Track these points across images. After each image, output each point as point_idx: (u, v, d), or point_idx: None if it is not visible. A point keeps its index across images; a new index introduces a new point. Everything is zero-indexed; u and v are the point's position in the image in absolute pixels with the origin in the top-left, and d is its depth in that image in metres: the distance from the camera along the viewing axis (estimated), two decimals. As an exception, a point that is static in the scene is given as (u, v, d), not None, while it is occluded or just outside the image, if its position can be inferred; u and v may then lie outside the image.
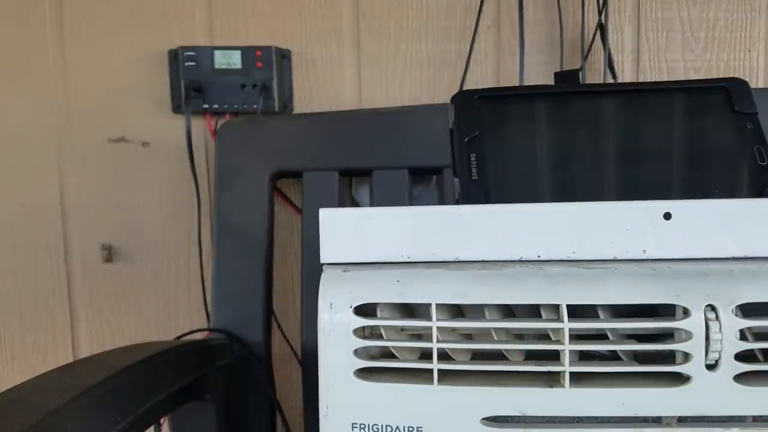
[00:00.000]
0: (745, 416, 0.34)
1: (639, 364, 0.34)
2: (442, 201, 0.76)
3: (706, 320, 0.33)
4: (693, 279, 0.34)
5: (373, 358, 0.36)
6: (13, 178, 0.89)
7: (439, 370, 0.35)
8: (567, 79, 0.51)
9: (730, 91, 0.45)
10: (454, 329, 0.36)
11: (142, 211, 0.88)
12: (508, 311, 0.36)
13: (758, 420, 0.34)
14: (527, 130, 0.46)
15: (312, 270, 0.76)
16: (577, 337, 0.35)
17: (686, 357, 0.33)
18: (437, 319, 0.34)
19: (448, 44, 0.85)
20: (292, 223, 0.87)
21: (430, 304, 0.35)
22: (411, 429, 0.35)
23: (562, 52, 0.83)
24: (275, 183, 0.79)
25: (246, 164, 0.78)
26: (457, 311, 0.36)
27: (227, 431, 0.70)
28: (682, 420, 0.34)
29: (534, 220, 0.36)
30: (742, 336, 0.33)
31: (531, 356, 0.35)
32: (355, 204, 0.83)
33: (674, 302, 0.33)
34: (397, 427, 0.35)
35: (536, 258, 0.36)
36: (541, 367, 0.34)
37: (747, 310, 0.33)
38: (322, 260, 0.37)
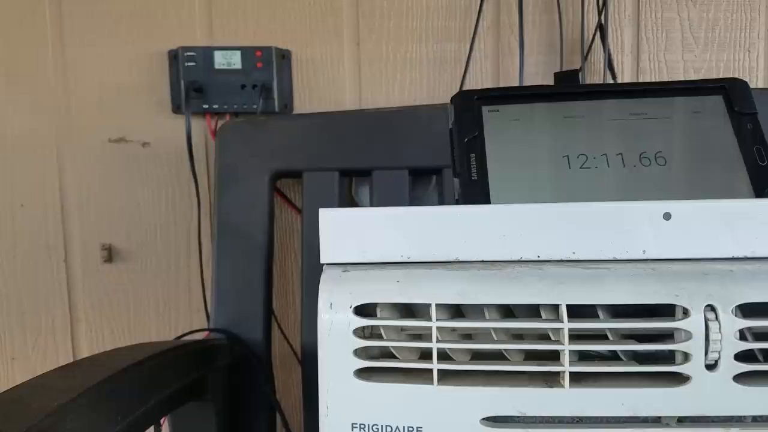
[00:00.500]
0: (744, 416, 0.34)
1: (639, 364, 0.34)
2: (442, 201, 0.76)
3: (706, 320, 0.33)
4: (693, 279, 0.34)
5: (372, 358, 0.36)
6: (13, 178, 0.89)
7: (439, 370, 0.35)
8: (567, 79, 0.51)
9: (729, 91, 0.45)
10: (453, 329, 0.36)
11: (142, 211, 0.88)
12: (508, 311, 0.36)
13: (758, 420, 0.34)
14: (527, 130, 0.46)
15: (312, 270, 0.76)
16: (576, 337, 0.35)
17: (686, 357, 0.33)
18: (437, 319, 0.34)
19: (447, 44, 0.85)
20: (292, 223, 0.87)
21: (429, 304, 0.35)
22: (411, 429, 0.35)
23: (562, 53, 0.83)
24: (275, 183, 0.79)
25: (246, 164, 0.78)
26: (457, 311, 0.36)
27: (227, 431, 0.70)
28: (681, 420, 0.34)
29: (534, 220, 0.36)
30: (742, 336, 0.33)
31: (531, 356, 0.35)
32: (355, 204, 0.83)
33: (674, 302, 0.33)
34: (397, 427, 0.35)
35: (536, 258, 0.36)
36: (540, 367, 0.34)
37: (747, 310, 0.33)
38: (322, 260, 0.37)
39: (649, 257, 0.36)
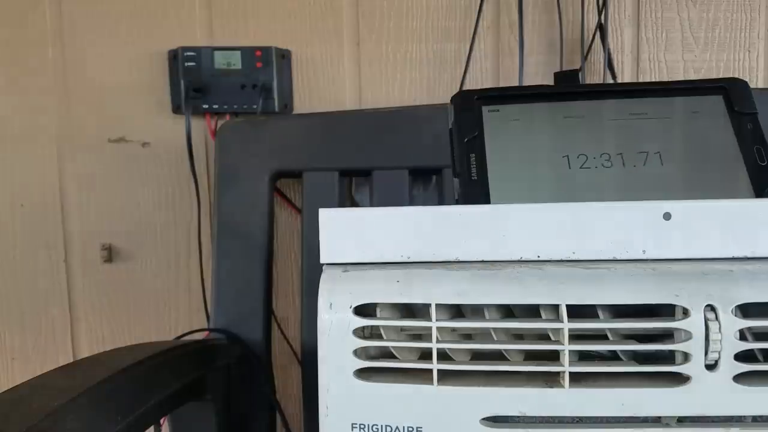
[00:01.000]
0: (744, 416, 0.34)
1: (638, 364, 0.34)
2: (442, 201, 0.76)
3: (706, 320, 0.33)
4: (692, 279, 0.34)
5: (372, 358, 0.36)
6: (13, 178, 0.89)
7: (439, 371, 0.35)
8: (567, 79, 0.51)
9: (729, 91, 0.45)
10: (453, 329, 0.36)
11: (142, 211, 0.88)
12: (508, 311, 0.36)
13: (758, 420, 0.34)
14: (527, 130, 0.46)
15: (312, 270, 0.76)
16: (576, 337, 0.35)
17: (686, 357, 0.33)
18: (437, 319, 0.34)
19: (447, 44, 0.85)
20: (292, 223, 0.87)
21: (429, 305, 0.35)
22: (411, 429, 0.35)
23: (562, 52, 0.83)
24: (275, 183, 0.79)
25: (246, 164, 0.78)
26: (457, 311, 0.36)
27: (227, 431, 0.70)
28: (681, 420, 0.34)
29: (534, 220, 0.36)
30: (742, 336, 0.33)
31: (531, 356, 0.35)
32: (355, 204, 0.83)
33: (674, 302, 0.33)
34: (397, 427, 0.35)
35: (536, 258, 0.36)
36: (540, 367, 0.34)
37: (747, 310, 0.33)
38: (322, 260, 0.37)
39: (649, 257, 0.36)
